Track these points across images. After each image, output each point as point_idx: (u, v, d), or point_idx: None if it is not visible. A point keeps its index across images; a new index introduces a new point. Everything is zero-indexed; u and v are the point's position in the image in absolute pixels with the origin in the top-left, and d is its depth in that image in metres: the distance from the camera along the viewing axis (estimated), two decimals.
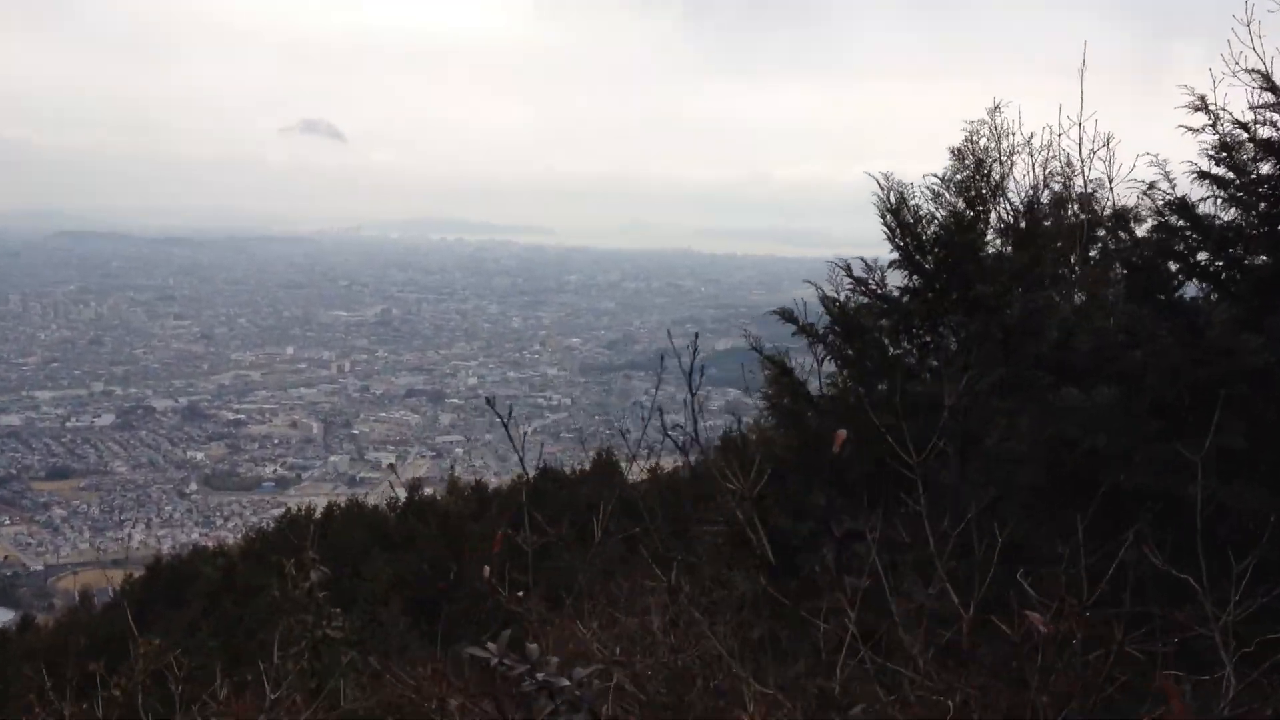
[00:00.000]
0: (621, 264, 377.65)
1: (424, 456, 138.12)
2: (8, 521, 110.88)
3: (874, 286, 7.39)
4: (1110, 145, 7.25)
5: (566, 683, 2.91)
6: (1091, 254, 7.71)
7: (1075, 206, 7.63)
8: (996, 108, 7.22)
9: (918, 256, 6.98)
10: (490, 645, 3.10)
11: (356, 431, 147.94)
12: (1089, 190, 7.59)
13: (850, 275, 7.31)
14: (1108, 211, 7.76)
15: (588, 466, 46.40)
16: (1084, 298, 7.07)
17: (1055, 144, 7.51)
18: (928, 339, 6.82)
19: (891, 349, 6.87)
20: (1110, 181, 7.56)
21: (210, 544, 77.33)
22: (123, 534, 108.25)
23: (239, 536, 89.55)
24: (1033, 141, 7.64)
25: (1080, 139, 7.16)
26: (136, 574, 49.75)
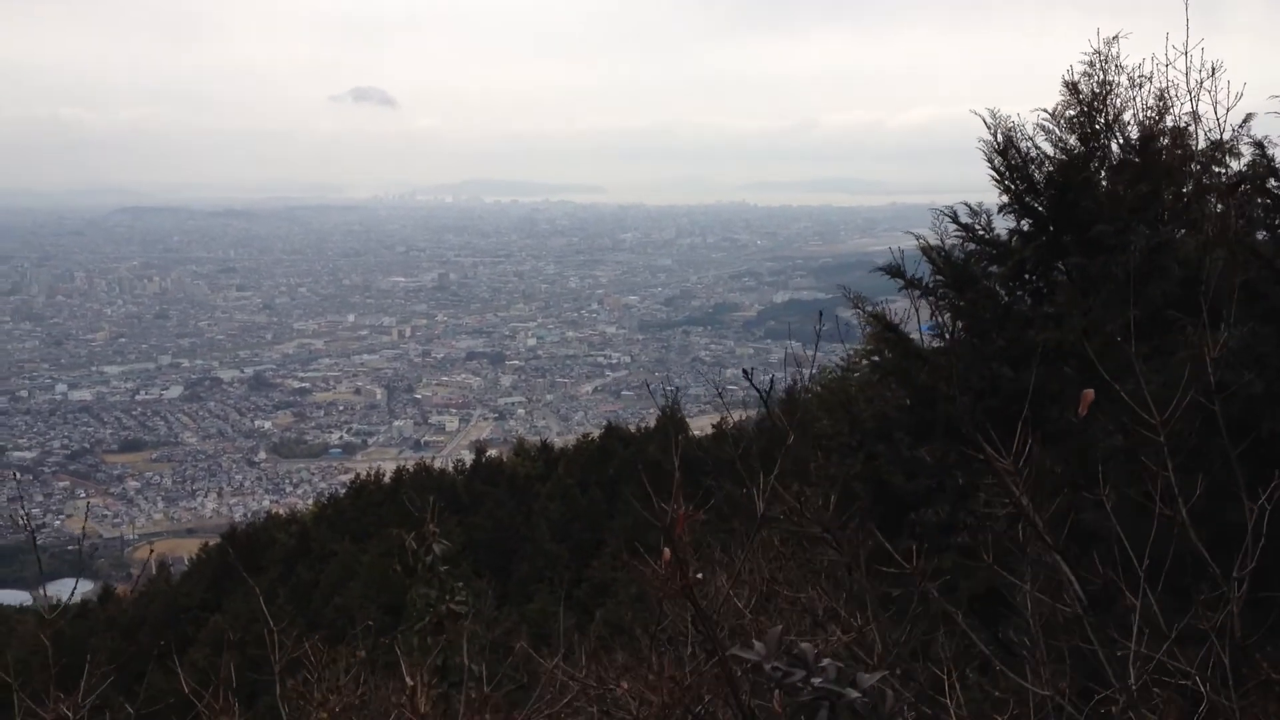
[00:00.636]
0: (677, 219, 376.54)
1: (486, 418, 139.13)
2: (83, 494, 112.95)
3: (981, 232, 7.04)
4: (1216, 75, 6.82)
5: (855, 693, 2.55)
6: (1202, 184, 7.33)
7: (1188, 139, 7.23)
8: (1114, 38, 6.82)
9: (1029, 199, 6.64)
10: (756, 644, 2.80)
11: (419, 396, 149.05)
12: (1198, 123, 7.20)
13: (956, 221, 6.95)
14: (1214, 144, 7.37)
15: (652, 424, 46.51)
16: (1208, 232, 6.69)
17: (1162, 75, 7.09)
18: (1042, 284, 6.48)
19: (1005, 297, 6.51)
20: (1221, 111, 7.13)
21: (281, 511, 78.52)
22: (195, 503, 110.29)
23: (309, 502, 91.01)
24: (1143, 72, 7.16)
25: (1187, 69, 6.73)
26: (211, 542, 50.74)
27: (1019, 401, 5.35)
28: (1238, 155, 7.22)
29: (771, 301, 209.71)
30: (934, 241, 7.85)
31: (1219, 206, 7.23)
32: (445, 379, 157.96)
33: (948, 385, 5.96)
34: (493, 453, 45.64)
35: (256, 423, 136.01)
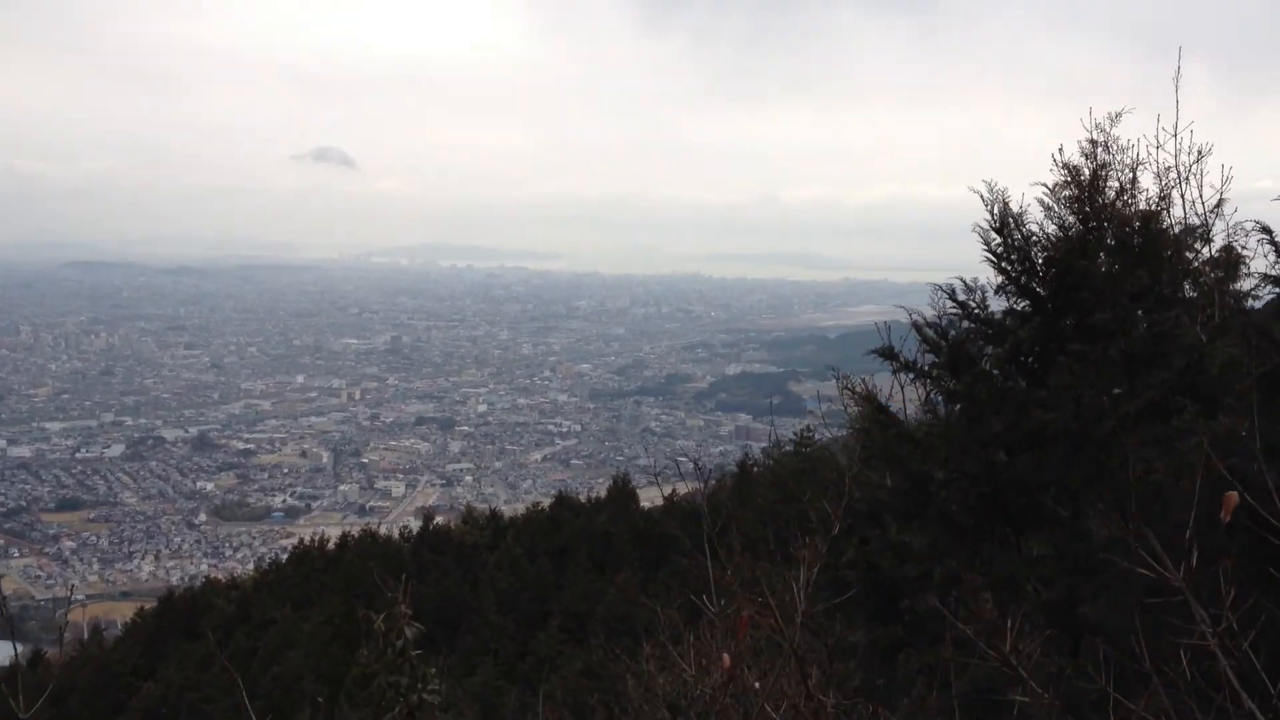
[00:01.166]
0: (632, 289, 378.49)
1: (434, 485, 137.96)
2: (17, 554, 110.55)
3: (976, 310, 6.84)
4: (1203, 159, 6.71)
5: None
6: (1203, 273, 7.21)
7: (1187, 222, 7.11)
8: (1116, 116, 6.70)
9: (1026, 279, 6.48)
10: None
11: (366, 460, 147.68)
12: (1193, 206, 7.09)
13: (953, 299, 6.75)
14: (1216, 229, 7.28)
15: (602, 494, 46.08)
16: (1208, 319, 6.53)
17: (1153, 157, 6.98)
18: (1037, 367, 6.30)
19: (1001, 380, 6.30)
20: (1209, 193, 7.02)
21: (219, 575, 76.94)
22: (132, 565, 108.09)
23: (248, 567, 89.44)
24: (1138, 154, 7.03)
25: (1176, 151, 6.63)
26: (147, 606, 49.48)
27: (1014, 488, 5.15)
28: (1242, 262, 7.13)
29: (723, 373, 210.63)
30: (917, 319, 7.62)
31: (1214, 293, 7.14)
32: (393, 443, 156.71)
33: (941, 470, 5.76)
34: (440, 520, 44.94)
35: (199, 484, 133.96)
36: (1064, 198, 6.70)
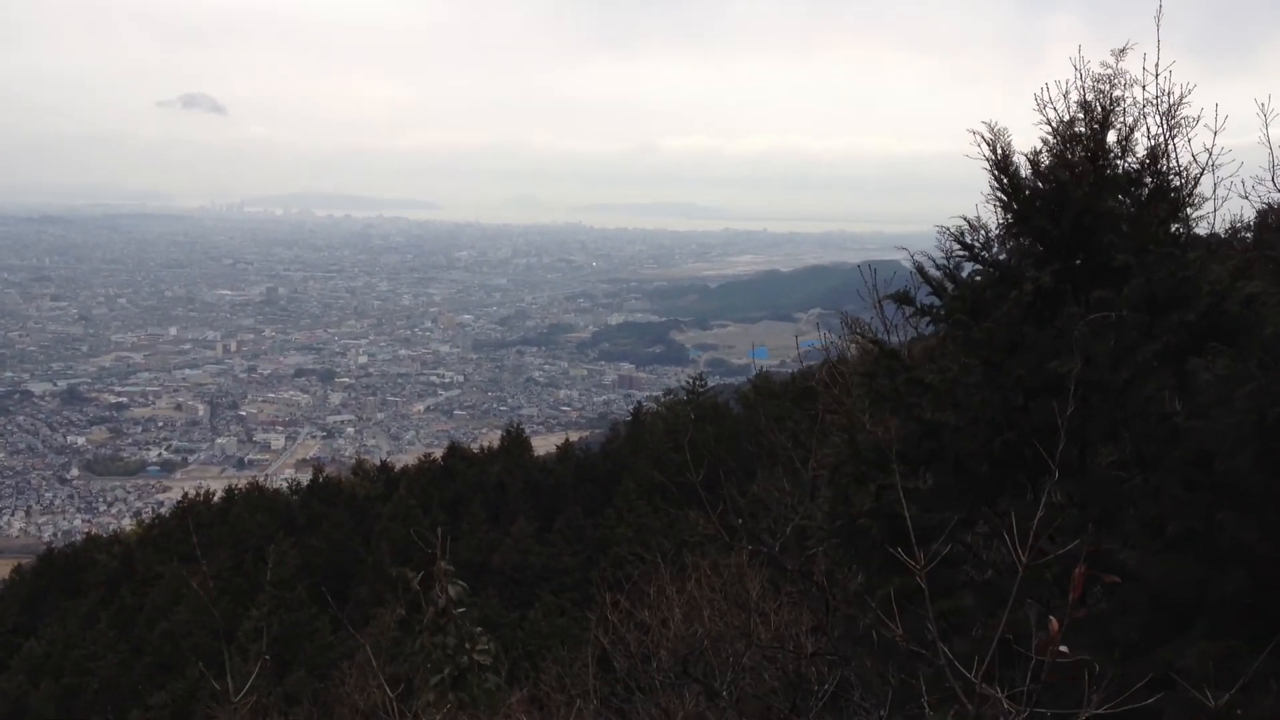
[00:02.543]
0: (513, 239, 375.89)
1: (314, 437, 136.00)
2: None
3: (982, 253, 6.76)
4: (1185, 100, 6.80)
5: None
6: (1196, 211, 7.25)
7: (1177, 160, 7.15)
8: (1123, 50, 6.69)
9: (1039, 222, 6.42)
10: None
11: (244, 413, 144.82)
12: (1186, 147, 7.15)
13: (960, 242, 6.67)
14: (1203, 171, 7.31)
15: (490, 444, 46.04)
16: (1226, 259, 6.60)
17: (1137, 96, 7.03)
18: (1049, 311, 6.27)
19: (1021, 324, 6.23)
20: (1195, 139, 7.08)
21: (94, 530, 74.99)
22: (1, 522, 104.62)
23: (124, 522, 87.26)
24: (1135, 91, 7.02)
25: (1158, 93, 6.70)
26: (21, 562, 48.09)
27: (1031, 435, 5.17)
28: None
29: (606, 323, 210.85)
30: (920, 260, 7.53)
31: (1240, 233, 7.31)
32: (272, 395, 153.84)
33: (954, 416, 5.84)
34: (330, 472, 44.46)
35: (69, 438, 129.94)
36: (1071, 135, 6.70)
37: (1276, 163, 6.79)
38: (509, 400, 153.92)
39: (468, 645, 5.77)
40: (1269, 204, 6.98)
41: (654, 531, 31.95)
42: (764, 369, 50.79)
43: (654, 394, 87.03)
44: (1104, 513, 4.58)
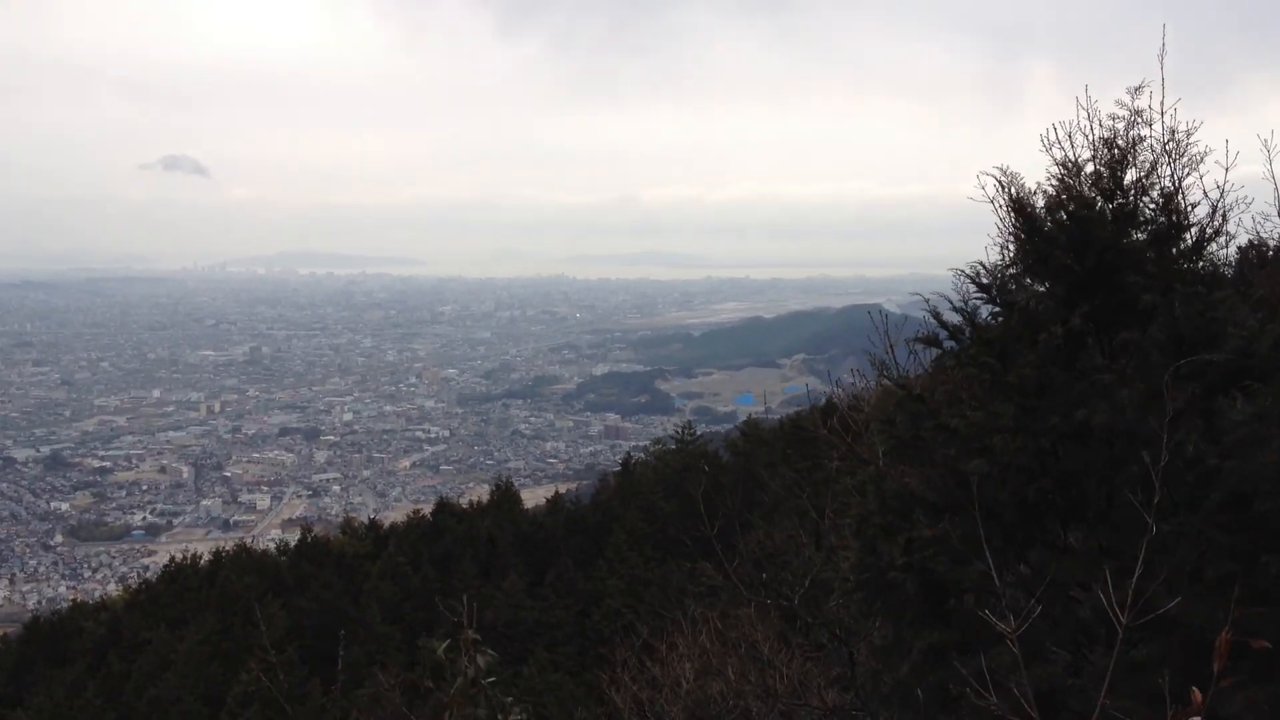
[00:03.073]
0: (496, 292, 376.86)
1: (300, 496, 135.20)
2: None
3: (1000, 295, 6.64)
4: (1191, 137, 6.75)
5: None
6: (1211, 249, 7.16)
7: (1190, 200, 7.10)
8: (1138, 88, 6.65)
9: (1064, 260, 6.30)
10: None
11: (229, 473, 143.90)
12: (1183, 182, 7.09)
13: (980, 286, 6.55)
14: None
15: (477, 498, 45.81)
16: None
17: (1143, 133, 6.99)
18: (1073, 354, 6.13)
19: (1050, 368, 6.07)
20: (1205, 179, 7.02)
21: (79, 596, 74.22)
22: None
23: (109, 588, 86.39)
24: (1154, 128, 6.96)
25: (1163, 131, 6.67)
26: (7, 631, 47.44)
27: (1069, 484, 5.06)
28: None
29: (591, 374, 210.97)
30: (933, 303, 7.38)
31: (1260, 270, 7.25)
32: (256, 455, 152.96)
33: (983, 464, 5.72)
34: (318, 531, 44.12)
35: (53, 504, 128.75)
36: (1088, 175, 6.63)
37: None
38: (495, 454, 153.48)
39: (500, 716, 5.55)
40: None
41: (647, 583, 31.75)
42: (751, 416, 50.79)
43: (641, 444, 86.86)
44: (1141, 560, 4.46)
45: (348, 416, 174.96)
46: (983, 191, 7.18)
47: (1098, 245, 6.15)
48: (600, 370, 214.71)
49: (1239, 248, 7.73)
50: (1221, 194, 6.73)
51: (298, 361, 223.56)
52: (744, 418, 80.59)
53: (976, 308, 6.78)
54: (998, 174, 6.81)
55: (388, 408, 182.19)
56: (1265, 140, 6.57)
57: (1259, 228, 7.12)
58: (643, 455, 45.25)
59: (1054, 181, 6.71)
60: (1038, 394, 5.68)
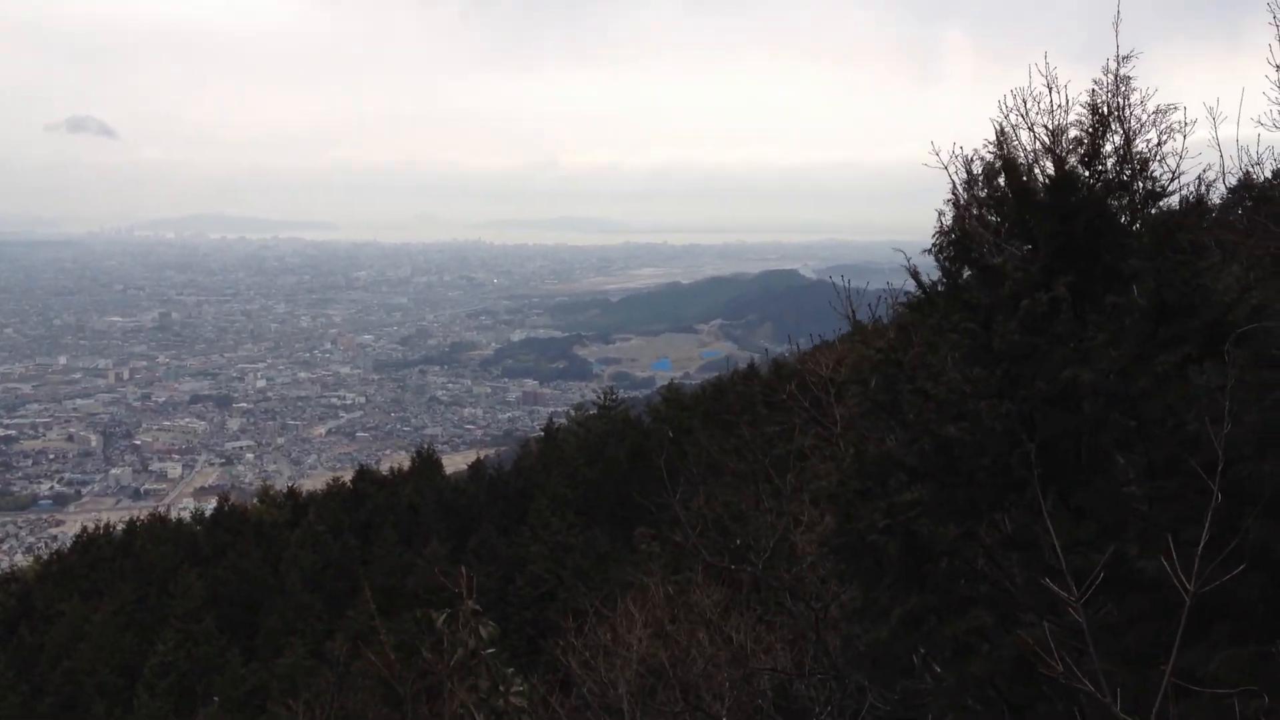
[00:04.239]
0: (413, 258, 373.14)
1: (212, 464, 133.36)
2: None
3: (979, 259, 6.57)
4: (1145, 102, 6.77)
5: None
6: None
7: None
8: (1124, 58, 6.64)
9: (1052, 226, 6.25)
10: None
11: (139, 442, 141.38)
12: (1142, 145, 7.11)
13: (961, 248, 6.48)
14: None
15: (395, 465, 45.50)
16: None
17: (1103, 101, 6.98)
18: (1053, 319, 6.08)
19: (1034, 333, 6.00)
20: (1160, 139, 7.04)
21: None
22: None
23: (17, 559, 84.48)
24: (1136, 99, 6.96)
25: (1119, 93, 6.69)
26: None
27: (1047, 447, 5.06)
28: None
29: (509, 340, 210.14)
30: (911, 266, 7.29)
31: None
32: (167, 423, 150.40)
33: (963, 428, 5.73)
34: (234, 500, 43.50)
35: None
36: (1068, 140, 6.62)
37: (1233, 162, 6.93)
38: (413, 420, 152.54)
39: (501, 688, 5.43)
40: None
41: (570, 549, 31.81)
42: (673, 381, 50.98)
43: (560, 409, 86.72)
44: (1118, 522, 4.53)
45: (261, 383, 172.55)
46: (936, 157, 7.23)
47: (1085, 211, 6.19)
48: (518, 336, 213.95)
49: (1228, 188, 7.84)
50: (1208, 168, 6.82)
51: (209, 328, 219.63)
52: (662, 384, 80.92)
53: (950, 271, 6.80)
54: (992, 137, 6.81)
55: (302, 374, 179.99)
56: (1211, 109, 6.68)
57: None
58: (564, 421, 45.21)
59: (1034, 148, 6.74)
60: (1022, 359, 5.72)
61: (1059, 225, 6.21)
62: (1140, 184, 6.64)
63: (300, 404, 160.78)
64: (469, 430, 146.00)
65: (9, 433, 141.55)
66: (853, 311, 9.22)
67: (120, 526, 40.91)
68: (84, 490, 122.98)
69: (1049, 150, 6.58)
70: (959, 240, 6.63)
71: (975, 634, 4.61)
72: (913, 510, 5.31)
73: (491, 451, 75.40)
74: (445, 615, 5.65)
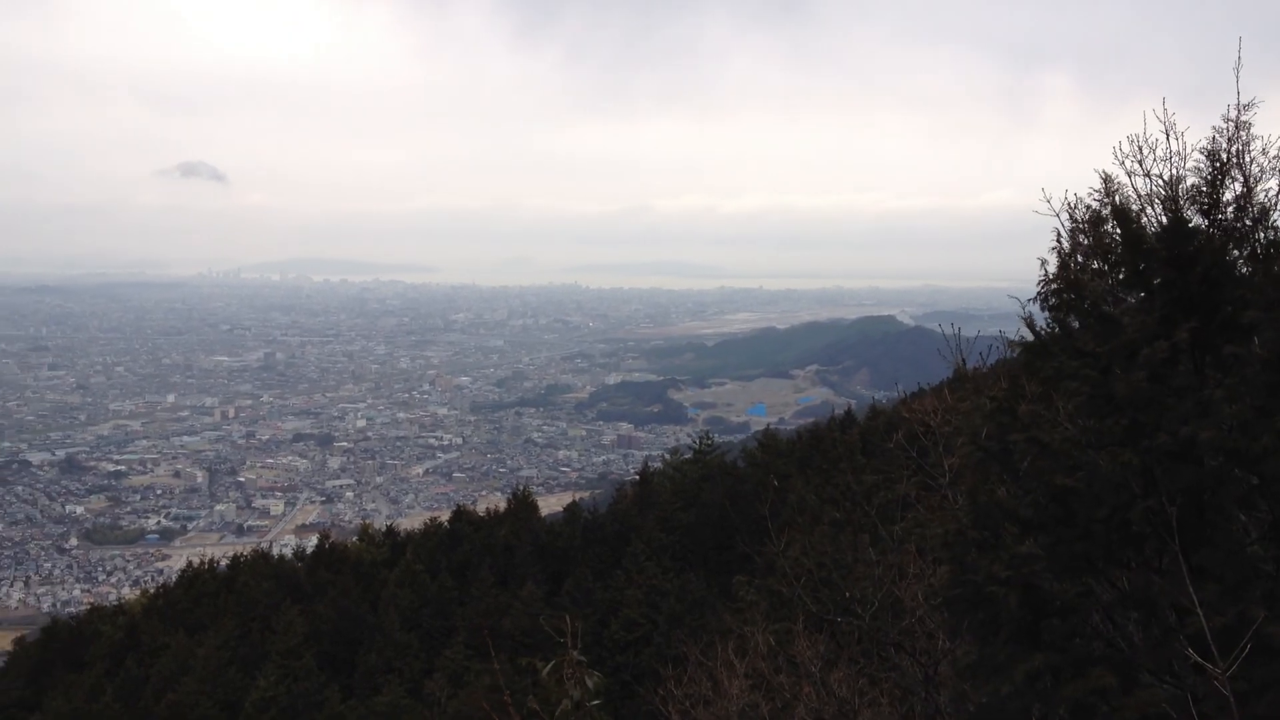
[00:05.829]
0: (509, 301, 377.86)
1: (313, 502, 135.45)
2: None
3: (1093, 309, 6.45)
4: (1267, 150, 6.61)
5: None
6: None
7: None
8: (1246, 106, 6.57)
9: (1168, 274, 6.13)
10: None
11: (243, 478, 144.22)
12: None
13: (1073, 297, 6.38)
14: None
15: (490, 507, 45.84)
16: None
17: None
18: (1172, 373, 5.91)
19: (1157, 384, 5.85)
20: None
21: (93, 600, 74.38)
22: (0, 593, 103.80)
23: (124, 592, 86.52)
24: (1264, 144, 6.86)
25: (1233, 136, 6.56)
26: (16, 635, 47.54)
27: (1174, 501, 4.90)
28: None
29: (604, 383, 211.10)
30: (1027, 315, 7.17)
31: None
32: (270, 461, 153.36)
33: (1081, 480, 5.64)
34: (334, 537, 44.19)
35: (67, 507, 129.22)
36: (1186, 188, 6.52)
37: None
38: (508, 462, 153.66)
39: None
40: None
41: (664, 593, 31.71)
42: (770, 427, 50.78)
43: (654, 453, 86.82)
44: (1241, 583, 4.39)
45: (361, 423, 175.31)
46: (1047, 204, 7.16)
47: (1202, 261, 6.07)
48: (613, 379, 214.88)
49: None
50: None
51: (311, 368, 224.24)
52: (757, 429, 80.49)
53: (1060, 319, 6.69)
54: (1099, 184, 6.73)
55: (400, 414, 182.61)
56: None
57: None
58: (659, 465, 45.21)
59: (1150, 196, 6.63)
60: (1144, 408, 5.58)
61: (1175, 274, 6.09)
62: (1261, 233, 6.50)
63: (399, 444, 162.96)
64: (564, 472, 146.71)
65: (119, 468, 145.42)
66: (962, 359, 9.10)
67: (224, 562, 41.77)
68: (189, 525, 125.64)
69: (1167, 198, 6.46)
70: (1069, 288, 6.52)
71: (1096, 695, 4.48)
72: (1037, 563, 5.19)
73: (586, 494, 75.77)
74: (551, 665, 5.58)
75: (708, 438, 42.65)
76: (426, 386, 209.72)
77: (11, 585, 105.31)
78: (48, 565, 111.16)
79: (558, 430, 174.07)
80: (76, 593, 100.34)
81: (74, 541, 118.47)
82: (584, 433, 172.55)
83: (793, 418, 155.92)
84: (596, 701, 5.50)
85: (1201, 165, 6.65)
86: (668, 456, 45.34)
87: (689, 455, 42.04)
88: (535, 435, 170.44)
